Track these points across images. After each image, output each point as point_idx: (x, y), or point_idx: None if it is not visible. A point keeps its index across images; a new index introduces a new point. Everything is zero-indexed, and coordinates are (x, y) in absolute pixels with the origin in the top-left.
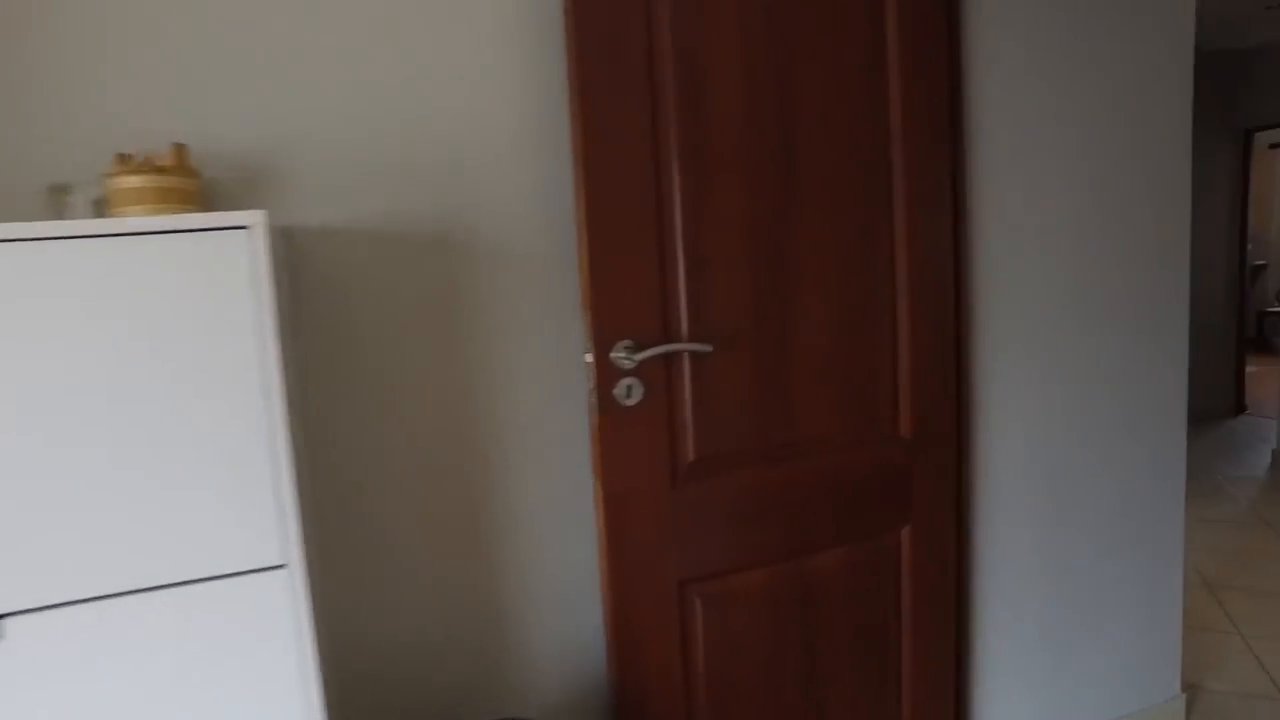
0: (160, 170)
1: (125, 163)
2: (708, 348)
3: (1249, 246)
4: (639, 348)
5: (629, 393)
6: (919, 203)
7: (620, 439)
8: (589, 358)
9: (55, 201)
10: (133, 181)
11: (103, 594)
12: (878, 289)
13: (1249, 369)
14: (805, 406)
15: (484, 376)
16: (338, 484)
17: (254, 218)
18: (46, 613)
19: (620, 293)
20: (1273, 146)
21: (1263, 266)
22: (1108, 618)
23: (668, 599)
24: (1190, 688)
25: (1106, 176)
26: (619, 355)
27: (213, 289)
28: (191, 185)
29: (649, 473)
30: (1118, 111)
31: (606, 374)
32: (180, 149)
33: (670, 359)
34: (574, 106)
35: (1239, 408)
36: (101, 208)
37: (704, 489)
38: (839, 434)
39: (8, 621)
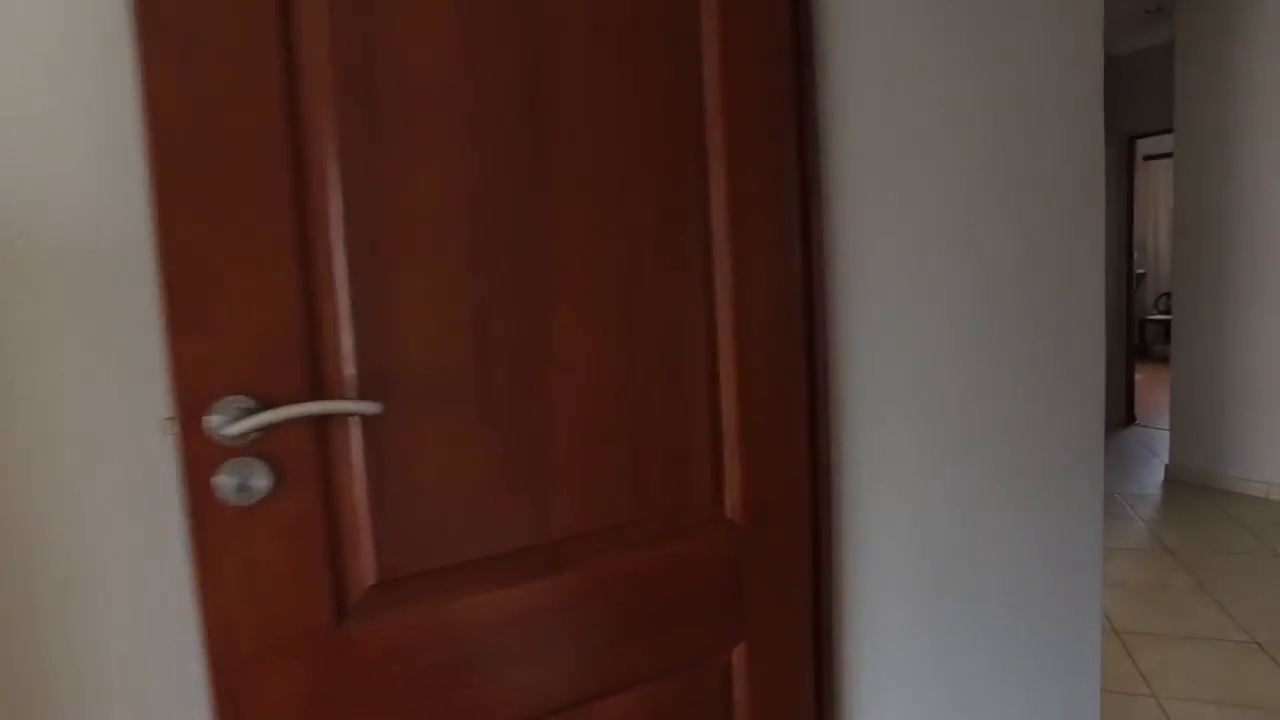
0: None
1: None
2: (374, 407)
3: (1134, 255)
4: (261, 408)
5: (243, 484)
6: (749, 185)
7: (236, 560)
8: (173, 427)
9: None
10: None
11: None
12: (688, 305)
13: (1135, 377)
14: (572, 488)
15: (14, 463)
16: None
17: None
18: None
19: (227, 318)
20: (1148, 158)
21: (1142, 275)
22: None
23: None
24: None
25: (1004, 171)
26: (221, 421)
27: None
28: None
29: (294, 612)
30: (1020, 105)
31: (200, 453)
32: None
33: (325, 425)
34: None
35: (1129, 418)
36: None
37: (398, 627)
38: (629, 525)
39: None
